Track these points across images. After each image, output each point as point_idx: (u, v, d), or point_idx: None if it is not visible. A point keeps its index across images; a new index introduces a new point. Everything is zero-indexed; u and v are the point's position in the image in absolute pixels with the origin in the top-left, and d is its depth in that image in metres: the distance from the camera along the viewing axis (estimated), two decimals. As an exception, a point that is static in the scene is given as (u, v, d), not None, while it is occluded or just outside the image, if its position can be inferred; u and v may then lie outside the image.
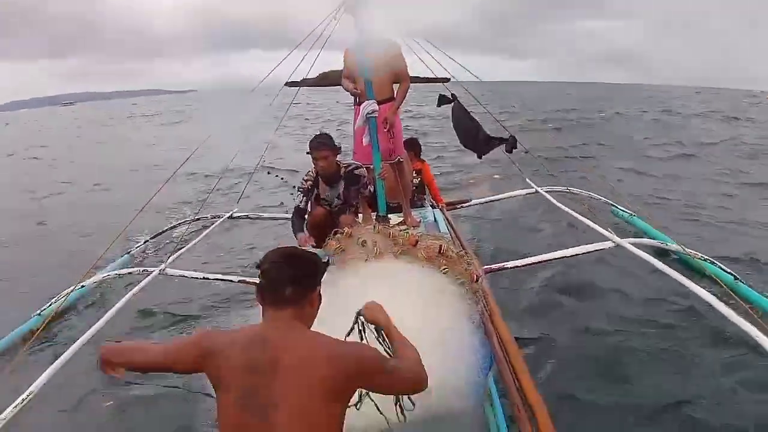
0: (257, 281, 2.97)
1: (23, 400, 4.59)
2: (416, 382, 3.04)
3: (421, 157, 11.03)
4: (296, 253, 3.09)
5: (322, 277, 3.10)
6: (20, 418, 4.61)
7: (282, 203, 15.14)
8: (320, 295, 3.07)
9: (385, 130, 7.66)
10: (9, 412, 4.44)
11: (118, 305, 6.40)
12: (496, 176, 18.40)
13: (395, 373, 2.95)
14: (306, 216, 7.24)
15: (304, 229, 7.16)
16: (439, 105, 9.51)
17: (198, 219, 11.46)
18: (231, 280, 7.80)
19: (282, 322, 2.86)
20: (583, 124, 36.16)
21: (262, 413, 2.64)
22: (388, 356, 3.14)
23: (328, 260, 3.26)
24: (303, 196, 7.19)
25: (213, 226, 10.27)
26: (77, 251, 11.59)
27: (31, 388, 4.73)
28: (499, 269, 7.09)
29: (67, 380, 6.04)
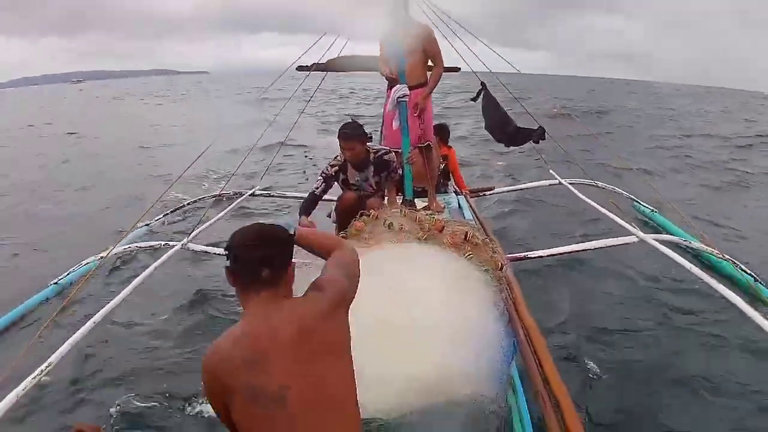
0: (228, 264, 2.95)
1: (41, 371, 4.53)
2: (353, 258, 3.37)
3: (448, 143, 10.99)
4: (269, 231, 3.03)
5: (292, 250, 3.09)
6: (38, 389, 4.67)
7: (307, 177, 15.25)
8: (293, 270, 3.04)
9: (415, 115, 7.64)
10: (28, 382, 4.37)
11: (139, 278, 6.32)
12: (499, 163, 18.46)
13: (348, 271, 3.21)
14: (317, 202, 7.07)
15: (310, 214, 6.93)
16: (474, 99, 9.47)
17: (219, 195, 11.43)
18: None
19: (262, 308, 2.85)
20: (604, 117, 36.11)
21: (278, 401, 2.63)
22: (332, 269, 3.21)
23: (294, 232, 3.23)
24: (322, 182, 7.03)
25: (235, 203, 10.20)
26: (96, 221, 11.75)
27: (51, 359, 4.66)
28: (522, 258, 7.05)
29: (82, 351, 6.14)
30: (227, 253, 2.95)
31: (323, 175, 7.07)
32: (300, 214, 6.87)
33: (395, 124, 7.62)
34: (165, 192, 7.80)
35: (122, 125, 36.66)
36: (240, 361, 2.66)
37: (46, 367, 4.56)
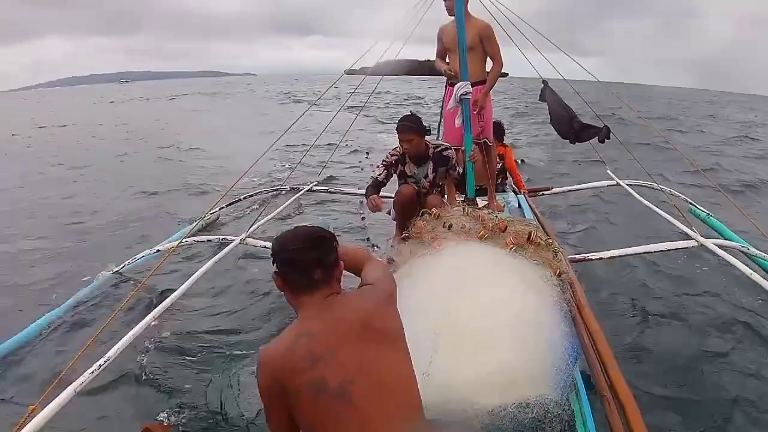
0: (278, 269, 2.97)
1: (99, 366, 4.51)
2: (388, 269, 3.52)
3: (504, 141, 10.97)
4: (315, 234, 3.06)
5: (337, 247, 3.11)
6: (94, 384, 4.62)
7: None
8: (342, 268, 3.10)
9: (475, 112, 7.62)
10: (86, 377, 4.35)
11: (198, 272, 6.36)
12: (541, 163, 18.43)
13: (387, 274, 3.32)
14: (380, 187, 7.10)
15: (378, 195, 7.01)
16: (541, 99, 9.51)
17: (276, 190, 11.51)
18: None
19: (318, 307, 2.90)
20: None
21: (343, 395, 2.65)
22: (373, 272, 3.30)
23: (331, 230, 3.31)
24: (384, 170, 7.08)
25: (292, 198, 10.29)
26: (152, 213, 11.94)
27: (108, 354, 4.65)
28: (582, 260, 7.01)
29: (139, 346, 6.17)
30: (274, 257, 2.99)
31: (384, 162, 7.12)
32: (366, 196, 6.94)
33: (457, 122, 7.61)
34: (234, 184, 7.92)
35: (179, 124, 37.16)
36: (302, 361, 2.69)
37: (104, 361, 4.56)
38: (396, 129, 6.90)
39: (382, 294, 3.06)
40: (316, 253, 2.93)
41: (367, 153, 20.25)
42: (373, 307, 2.93)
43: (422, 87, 76.09)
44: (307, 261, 2.90)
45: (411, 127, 6.79)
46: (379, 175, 7.04)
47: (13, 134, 34.57)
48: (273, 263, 2.99)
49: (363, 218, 11.23)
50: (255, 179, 15.15)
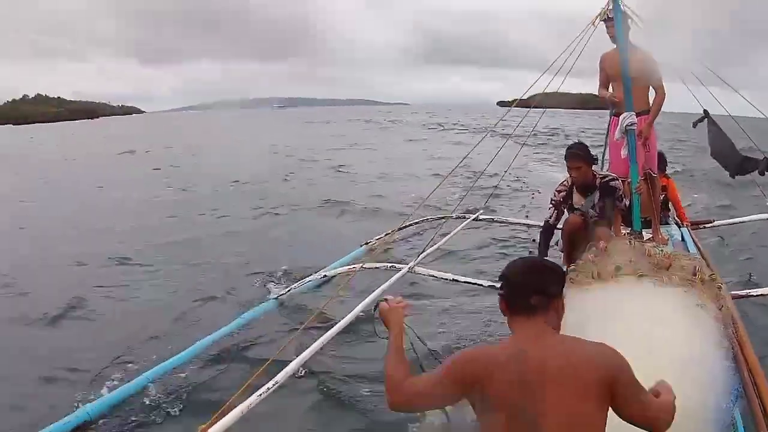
0: (501, 290, 3.05)
1: (268, 389, 4.67)
2: (656, 423, 2.94)
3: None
4: (540, 263, 3.20)
5: (563, 286, 3.14)
6: (261, 407, 4.70)
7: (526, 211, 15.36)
8: (563, 304, 3.11)
9: (640, 143, 7.57)
10: (253, 399, 4.52)
11: (367, 300, 6.38)
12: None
13: (647, 403, 2.91)
14: (552, 231, 7.21)
15: (548, 249, 7.16)
16: (694, 126, 9.38)
17: (443, 218, 11.30)
18: (480, 284, 7.63)
19: (533, 331, 2.90)
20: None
21: (532, 424, 2.68)
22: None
23: (566, 272, 3.31)
24: (554, 210, 7.14)
25: (460, 227, 10.34)
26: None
27: (277, 378, 4.81)
28: (744, 296, 6.77)
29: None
30: (501, 281, 3.08)
31: (552, 202, 7.19)
32: (540, 251, 7.08)
33: (623, 153, 7.58)
34: (417, 207, 8.19)
35: (345, 151, 38.00)
36: (511, 376, 2.75)
37: (273, 385, 4.75)
38: (564, 157, 7.00)
39: (594, 347, 2.94)
40: (537, 278, 3.00)
41: (533, 194, 20.03)
42: (580, 359, 2.84)
43: (584, 119, 74.71)
44: (526, 284, 2.98)
45: (579, 155, 6.87)
46: (550, 217, 7.15)
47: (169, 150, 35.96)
48: (500, 288, 3.08)
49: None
50: (410, 206, 15.18)
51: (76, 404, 6.01)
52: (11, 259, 12.30)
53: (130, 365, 7.01)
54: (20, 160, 39.03)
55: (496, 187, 13.39)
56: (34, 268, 11.80)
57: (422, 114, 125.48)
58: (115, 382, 6.50)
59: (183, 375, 6.60)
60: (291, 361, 5.11)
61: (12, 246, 14.06)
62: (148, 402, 6.08)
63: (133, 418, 5.83)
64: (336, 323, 5.94)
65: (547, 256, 7.02)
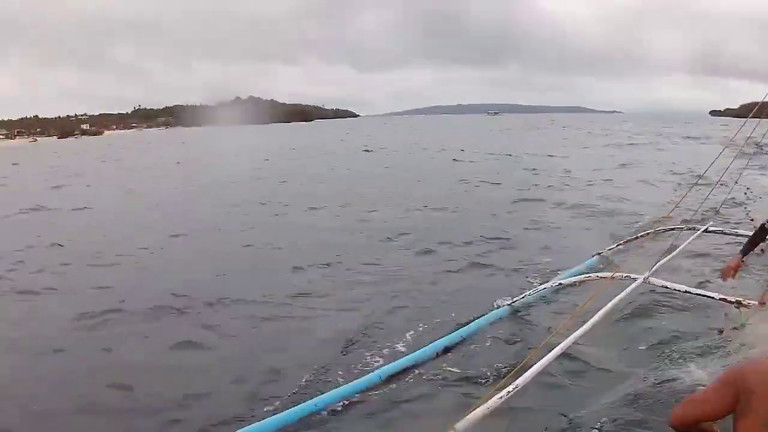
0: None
1: (508, 392, 4.69)
2: None
3: None
4: None
5: None
6: (499, 410, 4.70)
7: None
8: None
9: None
10: (494, 401, 4.56)
11: (602, 311, 6.31)
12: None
13: None
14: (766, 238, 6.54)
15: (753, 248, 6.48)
16: None
17: (672, 228, 11.18)
18: (712, 297, 7.20)
19: None
20: None
21: None
22: None
23: None
24: None
25: (691, 238, 10.00)
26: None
27: (517, 381, 4.82)
28: None
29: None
30: None
31: None
32: (744, 248, 6.40)
33: None
34: (674, 205, 8.05)
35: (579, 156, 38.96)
36: None
37: (513, 388, 4.75)
38: None
39: None
40: None
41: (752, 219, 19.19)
42: None
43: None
44: None
45: None
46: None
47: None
48: None
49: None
50: (634, 217, 15.68)
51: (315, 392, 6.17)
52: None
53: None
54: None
55: (732, 198, 12.88)
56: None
57: (635, 122, 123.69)
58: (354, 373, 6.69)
59: (415, 374, 6.62)
60: (528, 369, 5.09)
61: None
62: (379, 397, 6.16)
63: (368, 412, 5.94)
64: (570, 332, 5.84)
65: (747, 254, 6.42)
